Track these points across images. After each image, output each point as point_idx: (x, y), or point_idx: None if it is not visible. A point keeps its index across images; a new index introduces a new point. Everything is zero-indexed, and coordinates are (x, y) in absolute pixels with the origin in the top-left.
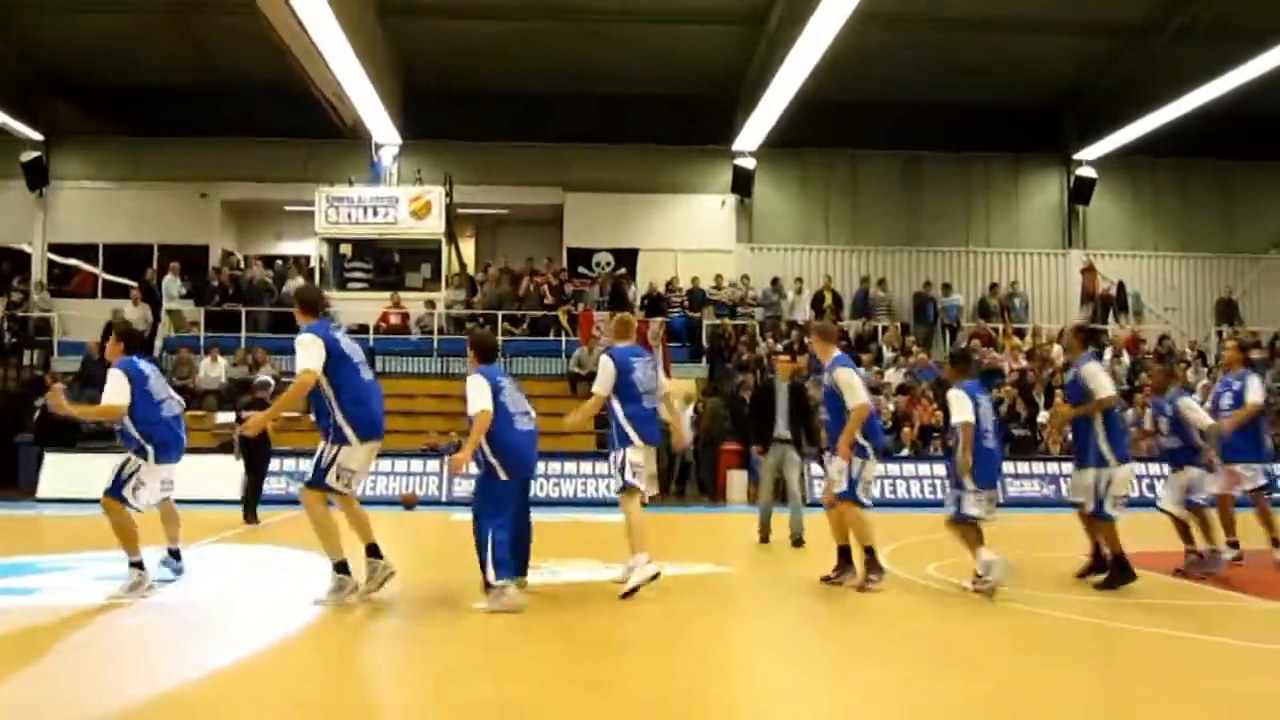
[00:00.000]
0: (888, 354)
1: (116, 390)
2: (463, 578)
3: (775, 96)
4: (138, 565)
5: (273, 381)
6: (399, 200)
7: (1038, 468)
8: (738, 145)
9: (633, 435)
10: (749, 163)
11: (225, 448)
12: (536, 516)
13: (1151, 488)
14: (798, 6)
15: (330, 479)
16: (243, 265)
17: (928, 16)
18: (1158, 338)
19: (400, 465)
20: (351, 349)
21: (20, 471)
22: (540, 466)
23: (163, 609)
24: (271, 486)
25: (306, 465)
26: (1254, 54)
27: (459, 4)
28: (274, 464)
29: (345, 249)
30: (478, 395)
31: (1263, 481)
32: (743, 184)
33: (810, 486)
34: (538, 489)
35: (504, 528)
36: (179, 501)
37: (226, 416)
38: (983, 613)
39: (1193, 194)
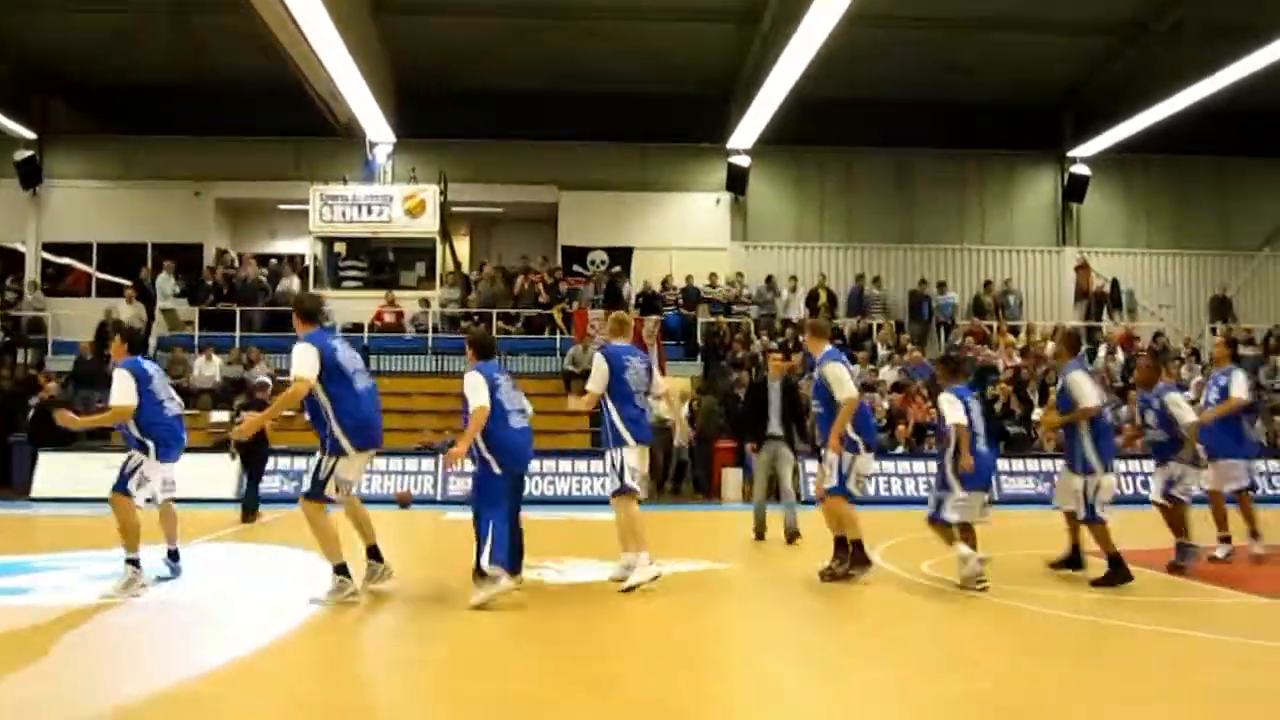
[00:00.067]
0: (882, 352)
1: (124, 391)
2: (459, 576)
3: (770, 94)
4: (134, 563)
5: (270, 382)
6: (393, 199)
7: (1032, 465)
8: (732, 143)
9: (626, 435)
10: (744, 161)
11: (221, 447)
12: (533, 515)
13: (1146, 484)
14: (791, 5)
15: (329, 490)
16: (237, 264)
17: (921, 15)
18: (1152, 335)
19: (395, 464)
20: (349, 358)
21: (14, 471)
22: (535, 465)
23: (159, 608)
24: (268, 485)
25: (303, 463)
26: (1248, 51)
27: (453, 2)
28: (270, 463)
29: (340, 247)
30: (475, 391)
31: (1245, 482)
32: (737, 182)
33: (805, 483)
34: (532, 487)
35: (503, 520)
36: (175, 500)
37: (221, 416)
38: (979, 610)
39: (1187, 191)
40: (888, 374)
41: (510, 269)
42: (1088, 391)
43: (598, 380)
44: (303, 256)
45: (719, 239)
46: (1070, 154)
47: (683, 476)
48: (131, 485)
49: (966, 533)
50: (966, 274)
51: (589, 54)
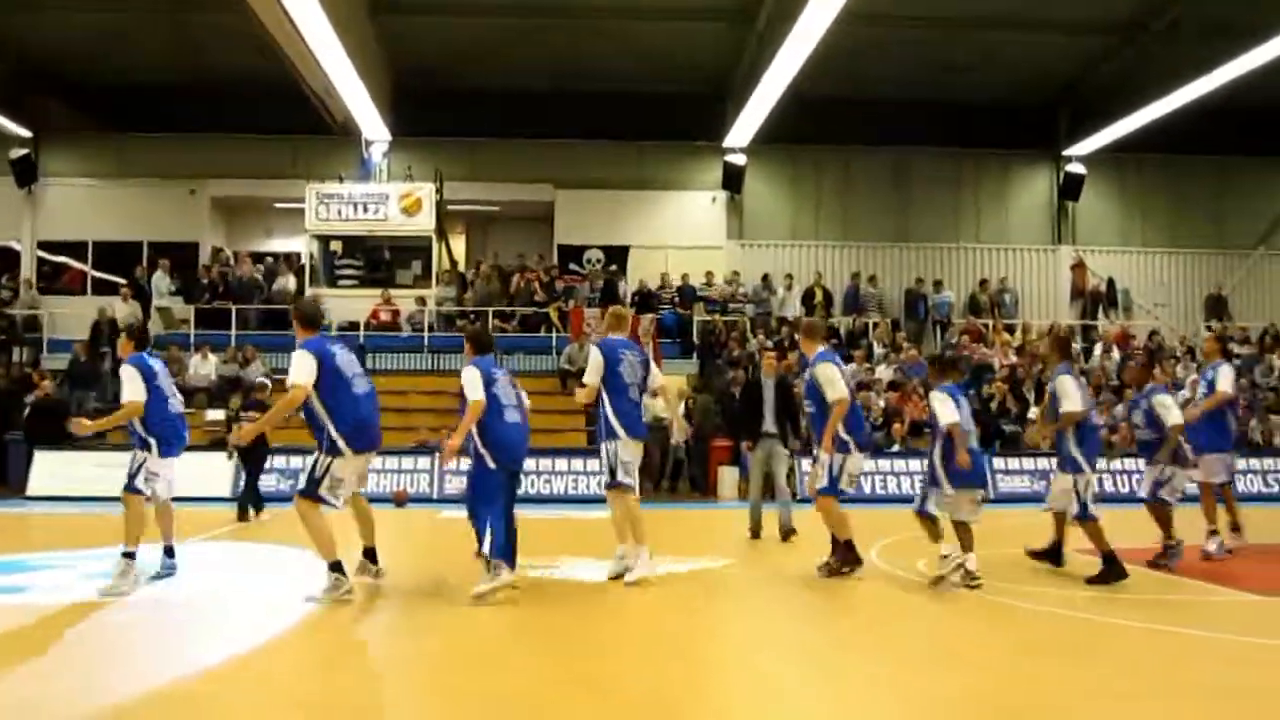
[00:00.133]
0: (878, 350)
1: (134, 387)
2: (455, 574)
3: (766, 93)
4: (130, 556)
5: (269, 383)
6: (389, 197)
7: (1028, 464)
8: (728, 142)
9: (619, 429)
10: (740, 159)
11: (218, 446)
12: (529, 513)
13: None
14: (787, 3)
15: (323, 490)
16: (232, 262)
17: (918, 14)
18: (1147, 333)
19: (391, 463)
20: (347, 362)
21: (10, 469)
22: (531, 463)
23: (155, 606)
24: (264, 484)
25: (299, 462)
26: (1245, 50)
27: (449, 2)
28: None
29: (336, 246)
30: (471, 386)
31: (1225, 478)
32: (733, 181)
33: (800, 481)
34: (528, 485)
35: (499, 515)
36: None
37: (217, 414)
38: (973, 607)
39: (1182, 190)
40: (883, 372)
41: (506, 267)
42: (1073, 396)
43: (593, 372)
44: (299, 255)
45: (715, 237)
46: (1066, 153)
47: (679, 475)
48: (139, 483)
49: (964, 532)
50: (962, 272)
51: (585, 53)
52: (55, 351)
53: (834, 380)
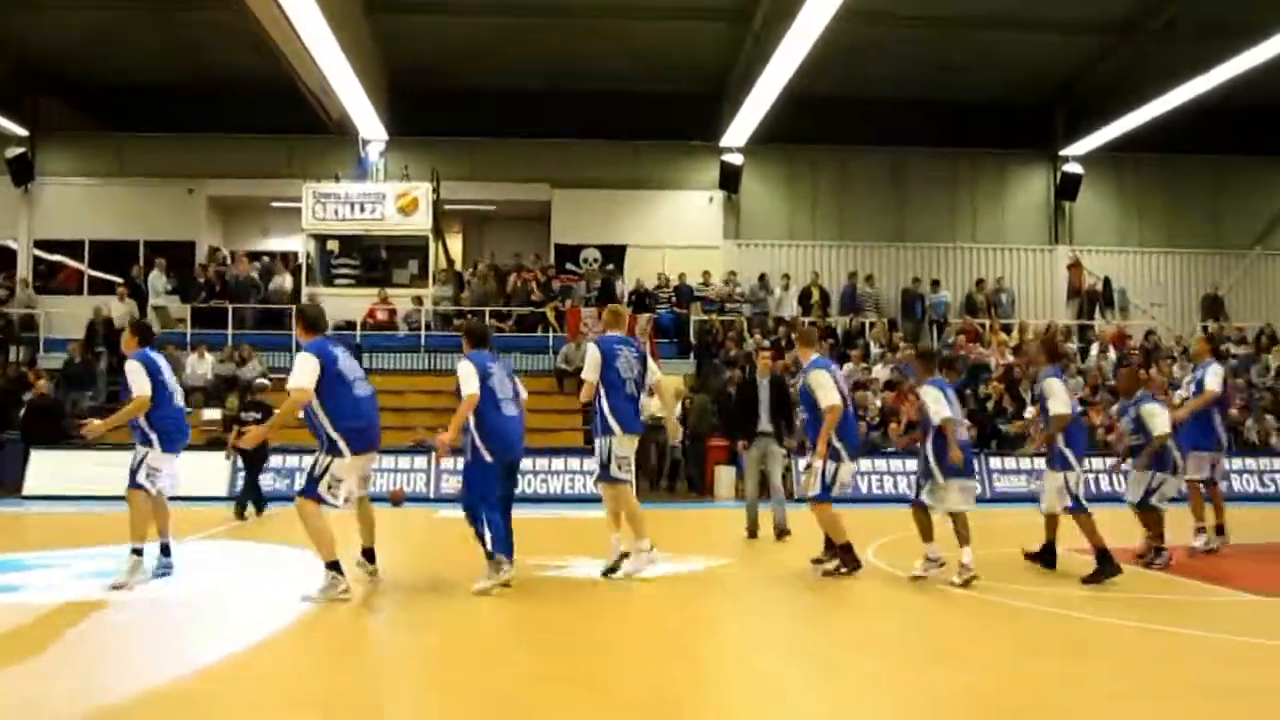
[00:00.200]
0: (875, 350)
1: (140, 382)
2: (452, 572)
3: (762, 93)
4: (138, 552)
5: (269, 383)
6: (386, 196)
7: (1024, 464)
8: (725, 141)
9: (614, 425)
10: (736, 159)
11: (215, 445)
12: (526, 513)
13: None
14: (784, 2)
15: (322, 488)
16: (229, 262)
17: (915, 13)
18: (1144, 333)
19: (388, 462)
20: (349, 365)
21: (6, 468)
22: (527, 463)
23: (152, 605)
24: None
25: (295, 461)
26: (1241, 49)
27: (446, 1)
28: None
29: (332, 245)
30: (466, 379)
31: (1206, 474)
32: (730, 180)
33: (796, 480)
34: (525, 485)
35: (495, 509)
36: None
37: (213, 414)
38: (972, 607)
39: (1179, 190)
40: (880, 372)
41: (503, 267)
42: (1061, 397)
43: (591, 369)
44: (295, 254)
45: (712, 237)
46: (1063, 152)
47: (676, 474)
48: (141, 478)
49: (961, 525)
50: (959, 272)
51: (581, 52)
52: (52, 351)
53: (827, 387)
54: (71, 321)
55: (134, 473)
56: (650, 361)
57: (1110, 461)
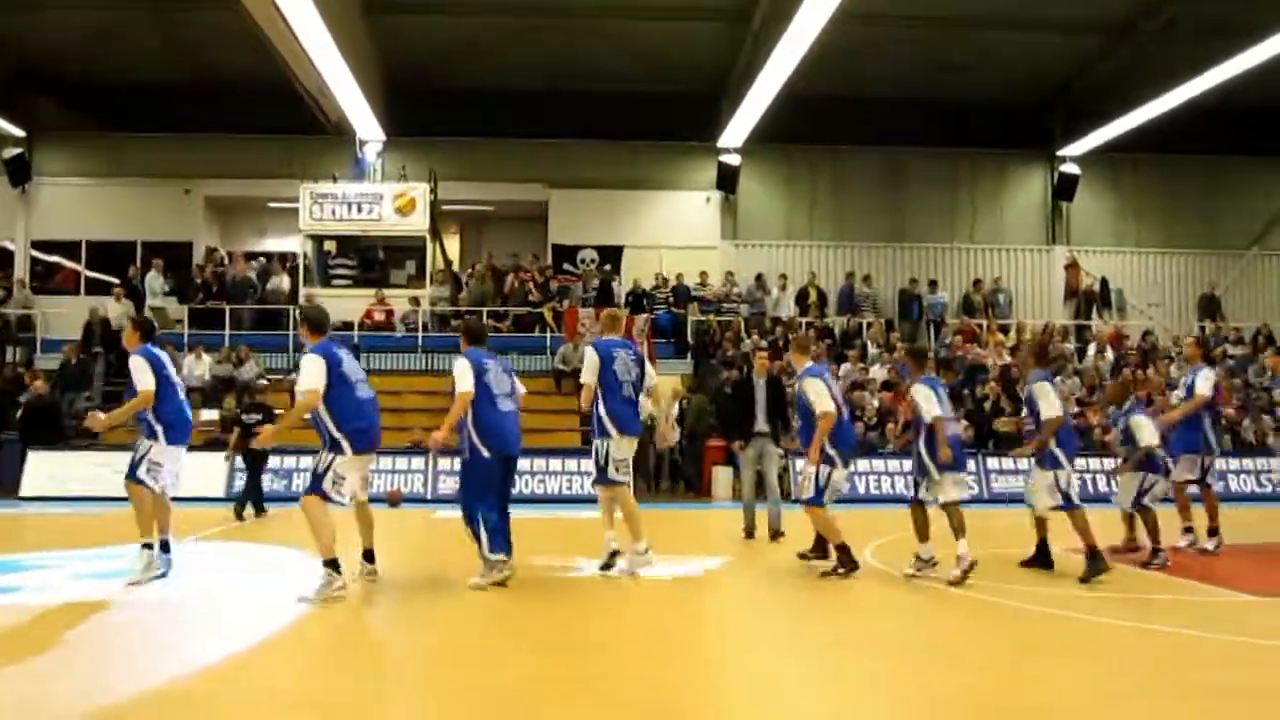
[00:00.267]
0: (872, 350)
1: (144, 377)
2: (449, 572)
3: (760, 93)
4: (148, 546)
5: (267, 382)
6: (383, 197)
7: (1022, 464)
8: (723, 142)
9: (610, 428)
10: (734, 159)
11: (211, 445)
12: (523, 513)
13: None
14: (782, 3)
15: (326, 485)
16: (226, 262)
17: (913, 13)
18: (1141, 334)
19: (385, 462)
20: (352, 368)
21: (3, 469)
22: (524, 463)
23: (151, 605)
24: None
25: (293, 462)
26: (1240, 49)
27: (443, 1)
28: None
29: (330, 246)
30: (461, 376)
31: (1195, 476)
32: (728, 180)
33: (794, 480)
34: (522, 485)
35: (491, 508)
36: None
37: (211, 414)
38: (967, 607)
39: (1176, 190)
40: (877, 372)
41: (501, 267)
42: (1051, 400)
43: (589, 372)
44: (293, 255)
45: (709, 237)
46: (1060, 153)
47: (674, 475)
48: (141, 472)
49: (955, 518)
50: (957, 273)
51: (579, 52)
52: (49, 351)
53: (821, 394)
54: (69, 322)
55: (135, 465)
56: (647, 365)
57: (1112, 463)
